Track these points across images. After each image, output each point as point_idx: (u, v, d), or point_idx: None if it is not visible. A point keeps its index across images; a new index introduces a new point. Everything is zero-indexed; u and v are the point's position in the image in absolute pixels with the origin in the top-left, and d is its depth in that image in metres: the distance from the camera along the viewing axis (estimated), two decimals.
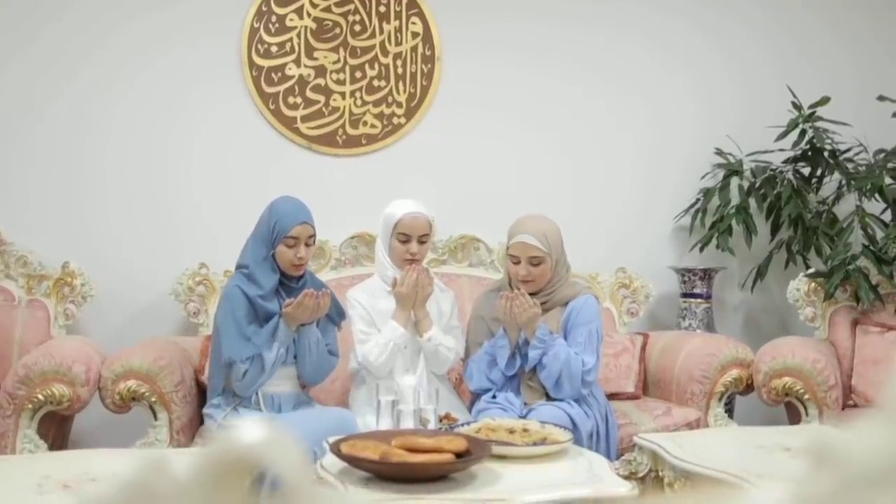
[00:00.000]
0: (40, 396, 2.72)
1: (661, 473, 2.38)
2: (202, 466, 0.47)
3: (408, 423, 2.31)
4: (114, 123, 3.58)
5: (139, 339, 3.14)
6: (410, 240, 2.93)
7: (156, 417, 2.84)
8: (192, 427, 2.93)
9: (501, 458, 2.14)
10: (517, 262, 2.86)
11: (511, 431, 2.28)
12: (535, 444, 2.21)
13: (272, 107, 3.65)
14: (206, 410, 2.82)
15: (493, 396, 2.83)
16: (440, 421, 2.43)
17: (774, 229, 3.90)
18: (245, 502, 0.47)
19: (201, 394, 3.03)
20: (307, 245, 2.79)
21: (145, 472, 0.48)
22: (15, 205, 3.49)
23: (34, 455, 2.59)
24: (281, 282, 2.80)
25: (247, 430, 0.49)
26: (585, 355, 2.79)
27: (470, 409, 2.93)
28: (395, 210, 2.96)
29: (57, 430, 2.94)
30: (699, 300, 3.78)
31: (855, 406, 3.30)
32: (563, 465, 2.16)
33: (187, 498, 0.47)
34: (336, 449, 2.00)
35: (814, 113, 3.73)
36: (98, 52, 3.56)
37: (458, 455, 1.98)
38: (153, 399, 2.81)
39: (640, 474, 2.44)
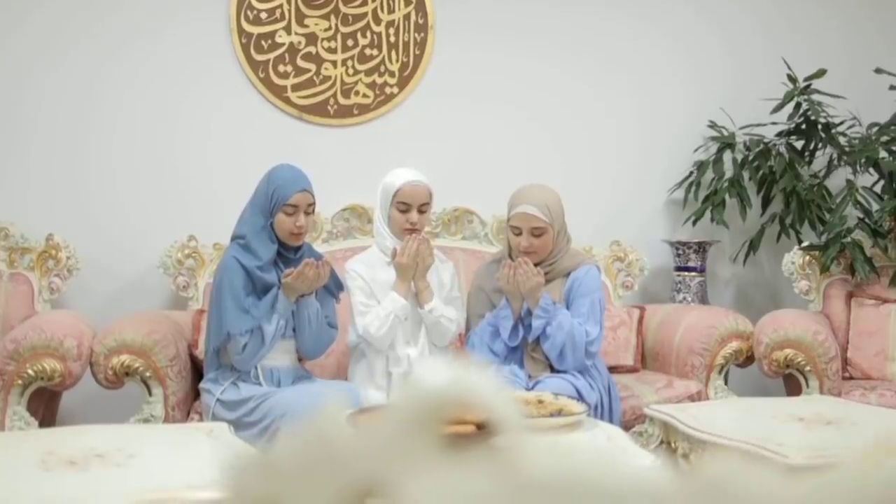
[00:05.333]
0: (30, 372, 2.62)
1: (673, 444, 2.36)
2: (393, 418, 0.42)
3: None
4: (98, 94, 3.46)
5: (125, 313, 3.05)
6: (410, 209, 2.86)
7: (150, 393, 2.75)
8: (188, 402, 2.85)
9: None
10: (519, 234, 2.80)
11: (525, 403, 2.23)
12: (551, 415, 2.16)
13: (262, 75, 3.55)
14: (202, 385, 2.74)
15: (497, 370, 2.78)
16: None
17: (766, 202, 3.89)
18: (443, 451, 0.41)
19: (195, 368, 2.96)
20: (306, 213, 2.71)
21: (324, 427, 0.42)
22: None
23: (31, 431, 2.49)
24: (279, 252, 2.72)
25: (435, 374, 0.43)
26: (589, 325, 2.75)
27: None
28: (394, 179, 2.89)
29: (46, 406, 2.84)
30: (693, 273, 3.76)
31: (851, 378, 3.31)
32: (582, 437, 2.12)
33: (382, 451, 0.41)
34: (353, 422, 1.94)
35: (809, 85, 3.72)
36: (83, 24, 3.43)
37: (478, 427, 1.93)
38: (147, 374, 2.73)
39: (652, 446, 2.42)
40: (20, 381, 2.62)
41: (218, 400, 2.65)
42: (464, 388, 0.41)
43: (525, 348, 2.80)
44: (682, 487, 0.40)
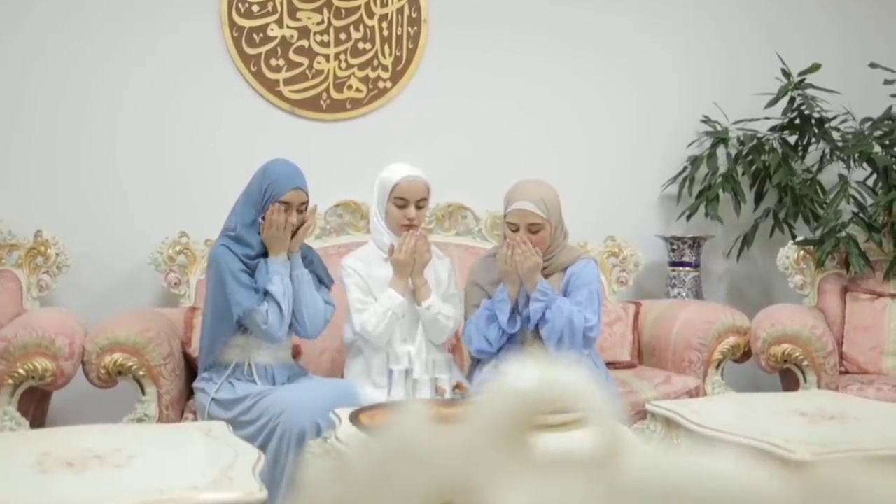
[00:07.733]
0: (21, 371, 2.57)
1: (675, 441, 2.34)
2: (480, 420, 0.39)
3: (423, 393, 2.22)
4: (90, 90, 3.40)
5: (115, 310, 2.99)
6: (408, 205, 2.83)
7: (143, 392, 2.71)
8: (182, 401, 2.81)
9: None
10: (515, 230, 2.77)
11: None
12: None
13: (254, 69, 3.50)
14: (196, 384, 2.69)
15: (496, 366, 2.75)
16: (453, 390, 2.35)
17: (759, 197, 3.89)
18: (531, 451, 0.38)
19: (188, 367, 2.91)
20: (299, 211, 2.67)
21: (408, 429, 0.39)
22: None
23: (24, 432, 2.44)
24: None
25: (522, 374, 0.40)
26: (587, 312, 2.73)
27: (469, 379, 2.85)
28: (391, 174, 2.85)
29: (37, 406, 2.79)
30: (688, 269, 3.75)
31: (846, 372, 3.31)
32: (587, 433, 2.09)
33: (468, 455, 0.38)
34: (356, 420, 1.91)
35: (803, 80, 3.71)
36: (76, 19, 3.37)
37: None
38: (141, 372, 2.68)
39: (654, 442, 2.40)
40: (11, 381, 2.57)
41: (213, 399, 2.60)
42: (556, 388, 0.38)
43: (524, 340, 2.77)
44: (792, 491, 0.37)
